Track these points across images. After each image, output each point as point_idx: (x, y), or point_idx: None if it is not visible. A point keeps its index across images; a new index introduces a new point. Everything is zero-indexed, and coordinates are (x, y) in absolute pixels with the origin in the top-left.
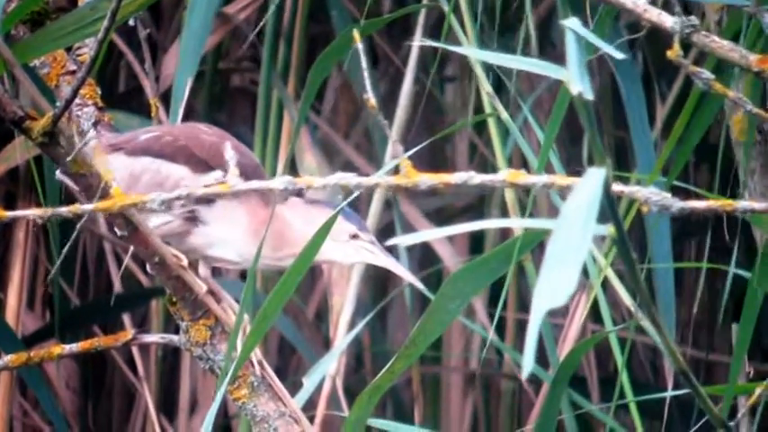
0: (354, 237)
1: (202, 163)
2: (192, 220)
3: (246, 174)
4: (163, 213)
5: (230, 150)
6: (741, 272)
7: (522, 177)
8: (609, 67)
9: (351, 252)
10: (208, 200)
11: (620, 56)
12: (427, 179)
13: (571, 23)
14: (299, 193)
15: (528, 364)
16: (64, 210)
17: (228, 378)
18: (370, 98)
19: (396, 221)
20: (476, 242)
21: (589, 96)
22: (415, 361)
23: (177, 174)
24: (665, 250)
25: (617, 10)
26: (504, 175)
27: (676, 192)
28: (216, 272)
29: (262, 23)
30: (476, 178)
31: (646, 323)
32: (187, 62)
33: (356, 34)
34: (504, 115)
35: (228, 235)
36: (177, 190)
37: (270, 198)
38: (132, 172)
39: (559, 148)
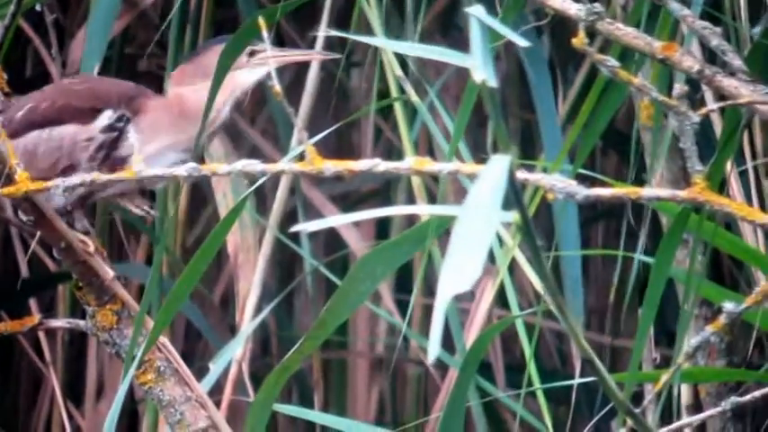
0: (251, 54)
1: (90, 111)
2: (112, 168)
3: (133, 110)
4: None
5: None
6: (644, 258)
7: (428, 165)
8: (516, 52)
9: (255, 71)
10: (113, 141)
11: (524, 44)
12: (332, 166)
13: (475, 11)
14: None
15: (434, 349)
16: None
17: (135, 363)
18: (275, 86)
19: (298, 207)
20: (382, 227)
21: (493, 84)
22: (320, 344)
23: (69, 132)
24: (573, 236)
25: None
26: (410, 162)
27: (584, 179)
28: (122, 256)
29: (167, 8)
30: (381, 165)
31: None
32: (94, 47)
33: (261, 22)
34: (415, 98)
35: (156, 147)
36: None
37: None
38: (26, 149)
39: (466, 133)
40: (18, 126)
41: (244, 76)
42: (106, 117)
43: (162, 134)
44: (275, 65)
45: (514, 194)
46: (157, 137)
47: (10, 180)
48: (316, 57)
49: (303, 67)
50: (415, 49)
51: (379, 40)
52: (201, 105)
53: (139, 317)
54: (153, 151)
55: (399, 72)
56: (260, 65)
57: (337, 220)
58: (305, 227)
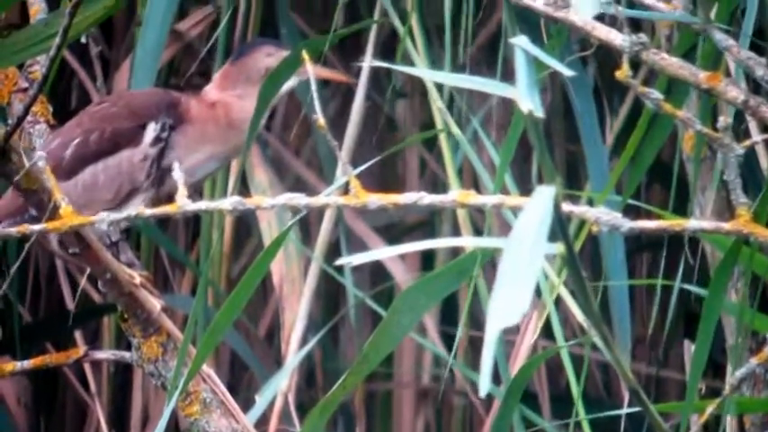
0: (269, 55)
1: (135, 129)
2: (161, 179)
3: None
4: (140, 194)
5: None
6: (690, 287)
7: (472, 198)
8: (561, 83)
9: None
10: (161, 151)
11: (570, 73)
12: (376, 199)
13: (520, 41)
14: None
15: (485, 383)
16: (13, 230)
17: (178, 393)
18: (320, 119)
19: (342, 238)
20: (427, 258)
21: (539, 114)
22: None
23: (125, 156)
24: (620, 267)
25: (567, 29)
26: (454, 195)
27: (629, 209)
28: (167, 288)
29: (213, 40)
30: (426, 198)
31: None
32: (141, 78)
33: (305, 54)
34: (456, 130)
35: (201, 158)
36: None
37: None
38: (84, 186)
39: (512, 165)
40: (73, 162)
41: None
42: (152, 130)
43: (208, 145)
44: (306, 76)
45: (560, 226)
46: (203, 147)
47: (55, 214)
48: (348, 80)
49: (348, 98)
50: (458, 79)
51: (422, 71)
52: (246, 116)
53: (183, 347)
54: (195, 162)
55: (440, 104)
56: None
57: (382, 252)
58: (350, 260)
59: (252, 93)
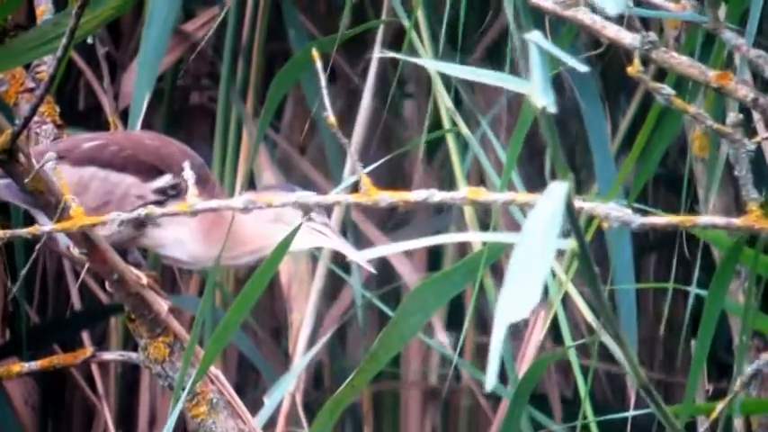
0: (308, 219)
1: (151, 169)
2: (143, 224)
3: (198, 177)
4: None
5: (188, 166)
6: (697, 290)
7: (483, 195)
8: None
9: (305, 236)
10: (158, 203)
11: (583, 68)
12: (387, 197)
13: (533, 37)
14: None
15: (492, 377)
16: (23, 231)
17: (186, 394)
18: (330, 116)
19: (349, 238)
20: (434, 260)
21: (553, 110)
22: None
23: (126, 182)
24: (627, 268)
25: (577, 27)
26: (465, 192)
27: (635, 211)
28: (175, 288)
29: (219, 40)
30: (436, 196)
31: (608, 339)
32: (144, 77)
33: (315, 54)
34: (465, 130)
35: (180, 235)
36: (129, 204)
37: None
38: (80, 181)
39: (518, 166)
40: (82, 156)
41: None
42: (164, 180)
43: (200, 235)
44: (324, 245)
45: (572, 221)
46: (189, 230)
47: (64, 215)
48: (364, 262)
49: (355, 97)
50: (470, 73)
51: (433, 63)
52: (252, 239)
53: (189, 348)
54: (172, 239)
55: (449, 103)
56: (310, 236)
57: (390, 248)
58: (359, 255)
59: (263, 224)
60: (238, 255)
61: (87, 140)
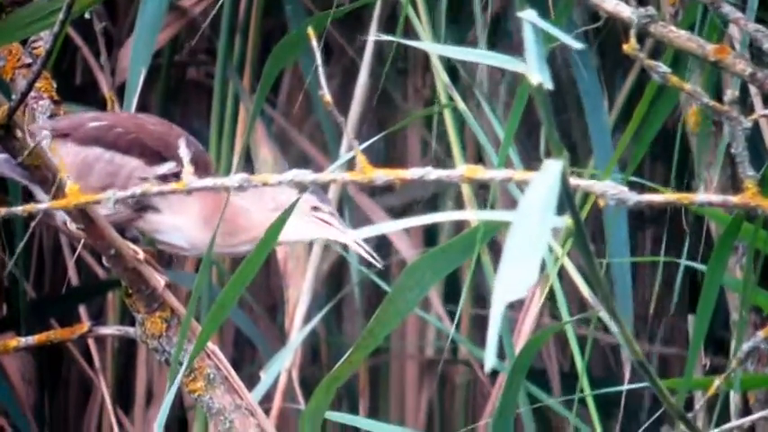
0: (315, 209)
1: (155, 154)
2: (143, 208)
3: (196, 164)
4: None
5: (184, 146)
6: (694, 264)
7: (480, 172)
8: (560, 62)
9: (311, 227)
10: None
11: (578, 46)
12: (383, 174)
13: (528, 15)
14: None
15: (490, 356)
16: (19, 209)
17: (183, 369)
18: (326, 95)
19: (346, 214)
20: (430, 237)
21: (549, 86)
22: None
23: (131, 165)
24: (623, 243)
25: (573, 2)
26: (462, 170)
27: (632, 187)
28: (171, 263)
29: (216, 16)
30: (433, 173)
31: (603, 314)
32: (141, 53)
33: (311, 32)
34: (462, 106)
35: (179, 222)
36: (132, 187)
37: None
38: (84, 160)
39: (515, 142)
40: (85, 136)
41: (295, 230)
42: (167, 167)
43: (200, 222)
44: (330, 237)
45: (568, 198)
46: (189, 217)
47: (60, 191)
48: (369, 255)
49: (351, 73)
50: (466, 53)
51: (430, 45)
52: (253, 227)
53: (185, 323)
54: (170, 225)
55: (446, 79)
56: (317, 227)
57: (388, 226)
58: (357, 233)
59: (262, 212)
60: (239, 243)
61: (92, 119)
